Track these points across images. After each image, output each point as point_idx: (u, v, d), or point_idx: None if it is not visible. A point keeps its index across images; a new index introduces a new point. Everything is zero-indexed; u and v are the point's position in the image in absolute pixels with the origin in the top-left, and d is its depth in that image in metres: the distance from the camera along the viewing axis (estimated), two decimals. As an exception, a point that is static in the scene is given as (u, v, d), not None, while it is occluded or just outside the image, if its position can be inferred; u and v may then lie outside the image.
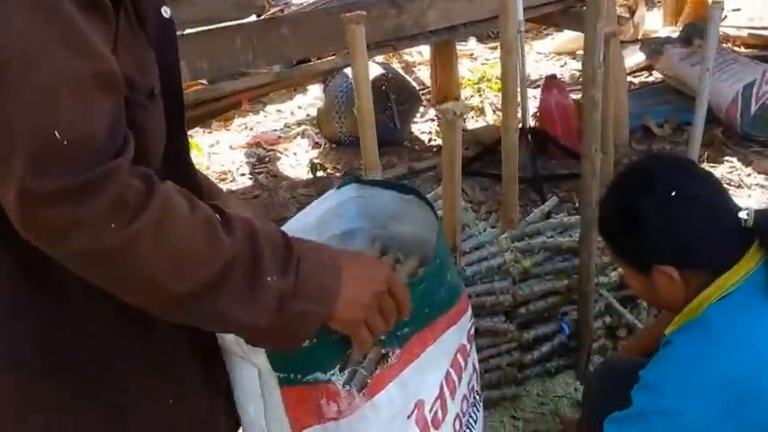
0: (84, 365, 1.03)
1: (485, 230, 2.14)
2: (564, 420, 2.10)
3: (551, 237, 2.34)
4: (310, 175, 4.29)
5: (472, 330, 1.39)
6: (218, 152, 4.94)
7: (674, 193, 1.41)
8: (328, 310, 1.01)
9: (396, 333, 1.13)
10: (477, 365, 1.43)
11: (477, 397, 1.42)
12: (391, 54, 5.44)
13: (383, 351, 1.15)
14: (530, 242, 2.25)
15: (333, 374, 1.14)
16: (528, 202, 3.68)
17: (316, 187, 4.18)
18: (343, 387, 1.14)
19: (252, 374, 1.17)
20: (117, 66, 0.87)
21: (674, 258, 1.41)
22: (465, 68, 5.38)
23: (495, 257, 2.10)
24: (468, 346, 1.37)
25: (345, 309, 1.02)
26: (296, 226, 1.37)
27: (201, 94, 3.50)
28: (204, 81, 3.50)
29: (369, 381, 1.13)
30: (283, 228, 1.37)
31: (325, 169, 4.35)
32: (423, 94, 5.22)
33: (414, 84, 5.08)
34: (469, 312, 1.38)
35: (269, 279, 0.95)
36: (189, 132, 4.66)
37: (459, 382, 1.30)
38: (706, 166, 3.87)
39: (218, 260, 0.91)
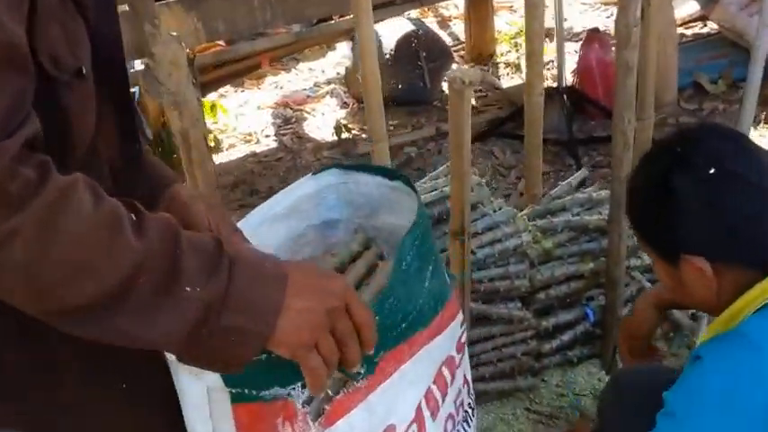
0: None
1: (500, 209, 1.94)
2: (577, 423, 1.91)
3: (577, 214, 2.13)
4: (335, 137, 4.12)
5: (464, 337, 1.22)
6: (246, 113, 4.80)
7: (713, 170, 1.20)
8: (268, 327, 0.84)
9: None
10: (468, 376, 1.25)
11: (469, 411, 1.26)
12: (426, 8, 5.16)
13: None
14: (552, 220, 2.04)
15: (293, 389, 0.98)
16: (562, 167, 3.44)
17: (340, 149, 4.02)
18: (302, 407, 0.99)
19: (199, 390, 1.03)
20: (20, 38, 0.74)
21: (706, 248, 1.19)
22: (502, 21, 5.07)
23: (511, 238, 1.91)
24: (458, 357, 1.20)
25: (290, 328, 0.84)
26: (263, 215, 1.21)
27: (219, 56, 3.34)
28: (221, 42, 3.34)
29: (326, 408, 0.97)
30: (249, 216, 1.21)
31: (350, 130, 4.16)
32: (456, 51, 4.95)
33: (447, 39, 4.81)
34: (460, 317, 1.20)
35: (188, 289, 0.79)
36: (217, 91, 4.51)
37: (444, 399, 1.13)
38: (762, 128, 3.55)
39: (122, 266, 0.76)
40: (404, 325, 1.01)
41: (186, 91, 2.93)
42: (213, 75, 3.44)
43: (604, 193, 2.17)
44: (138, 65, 3.17)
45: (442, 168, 2.10)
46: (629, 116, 1.79)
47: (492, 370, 1.99)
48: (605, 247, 2.04)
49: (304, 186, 1.24)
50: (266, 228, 1.20)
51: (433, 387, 1.11)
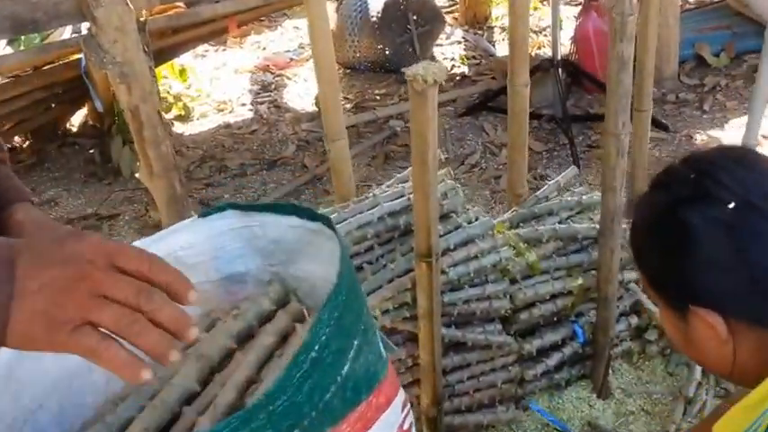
0: None
1: (476, 220, 1.68)
2: None
3: (567, 219, 1.87)
4: (316, 109, 3.82)
5: (407, 423, 0.97)
6: (222, 77, 4.49)
7: (734, 205, 0.95)
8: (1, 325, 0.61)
9: None
10: None
11: None
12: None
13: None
14: (536, 228, 1.79)
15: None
16: (555, 146, 3.16)
17: (321, 122, 3.72)
18: None
19: None
20: None
21: (721, 302, 0.95)
22: (500, -20, 4.72)
23: (489, 254, 1.65)
24: None
25: (28, 314, 0.61)
26: None
27: (177, 20, 3.02)
28: (180, 4, 3.01)
29: None
30: None
31: (332, 101, 3.87)
32: (449, 13, 4.62)
33: (438, 1, 4.48)
34: (400, 399, 0.95)
35: None
36: (194, 51, 4.14)
37: None
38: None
39: None
40: (313, 414, 0.75)
41: (135, 61, 2.63)
42: (170, 41, 3.12)
43: (596, 196, 1.91)
44: (84, 29, 2.87)
45: (410, 169, 1.83)
46: (624, 119, 1.51)
47: (469, 401, 1.76)
48: (595, 259, 1.79)
49: (189, 232, 0.96)
50: None
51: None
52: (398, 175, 1.82)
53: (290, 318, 0.93)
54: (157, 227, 2.95)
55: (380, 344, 0.90)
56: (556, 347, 1.85)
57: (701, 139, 3.12)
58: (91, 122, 3.79)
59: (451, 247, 1.62)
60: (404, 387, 1.70)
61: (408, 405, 0.97)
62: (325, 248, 0.91)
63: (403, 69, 1.29)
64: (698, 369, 1.87)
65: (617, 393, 1.93)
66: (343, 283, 0.77)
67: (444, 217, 1.65)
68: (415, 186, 1.40)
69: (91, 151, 3.57)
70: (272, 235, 0.96)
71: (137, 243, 0.95)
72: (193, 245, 0.95)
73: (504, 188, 2.94)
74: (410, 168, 1.86)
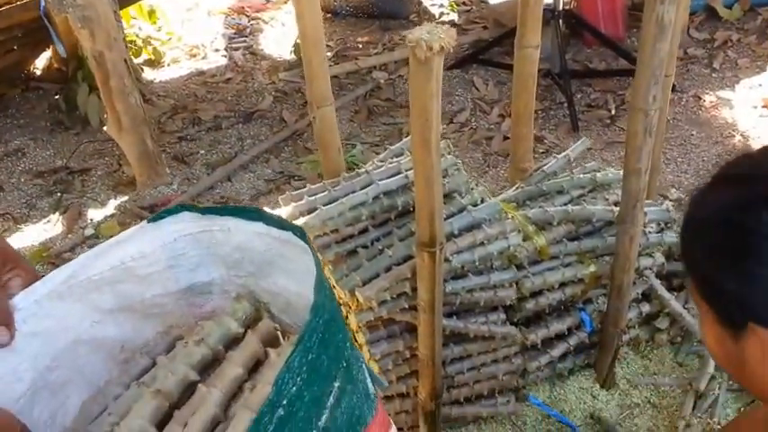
0: None
1: (481, 201, 1.50)
2: None
3: (578, 198, 1.70)
4: (295, 57, 3.56)
5: None
6: (194, 18, 4.19)
7: None
8: None
9: None
10: None
11: None
12: None
13: None
14: (546, 210, 1.61)
15: None
16: (552, 104, 2.97)
17: (299, 71, 3.47)
18: None
19: None
20: None
21: None
22: None
23: (496, 241, 1.48)
24: None
25: None
26: (63, 281, 0.77)
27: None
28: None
29: None
30: (53, 277, 0.77)
31: (313, 48, 3.60)
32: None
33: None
34: None
35: None
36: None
37: None
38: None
39: None
40: None
41: (98, 3, 2.36)
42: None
43: (612, 174, 1.74)
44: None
45: (406, 140, 1.63)
46: (656, 92, 1.32)
47: (468, 392, 1.62)
48: (610, 244, 1.63)
49: (140, 239, 0.79)
50: (74, 298, 0.77)
51: None
52: (392, 147, 1.62)
53: (260, 341, 0.78)
54: (132, 183, 2.74)
55: (368, 380, 0.75)
56: (561, 337, 1.70)
57: (709, 100, 2.95)
58: (55, 66, 3.51)
59: (455, 232, 1.44)
60: (401, 379, 1.57)
61: None
62: (299, 262, 0.75)
63: (405, 33, 1.08)
64: (711, 361, 1.74)
65: (622, 384, 1.80)
66: (318, 316, 0.62)
67: (446, 197, 1.47)
68: (416, 171, 1.21)
69: (56, 97, 3.32)
70: (237, 241, 0.79)
71: (87, 253, 0.77)
72: (146, 254, 0.79)
73: (496, 150, 2.76)
74: (405, 141, 1.67)
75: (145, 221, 0.78)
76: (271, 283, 0.83)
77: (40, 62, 3.57)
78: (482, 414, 1.66)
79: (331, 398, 0.65)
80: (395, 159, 1.52)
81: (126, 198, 2.71)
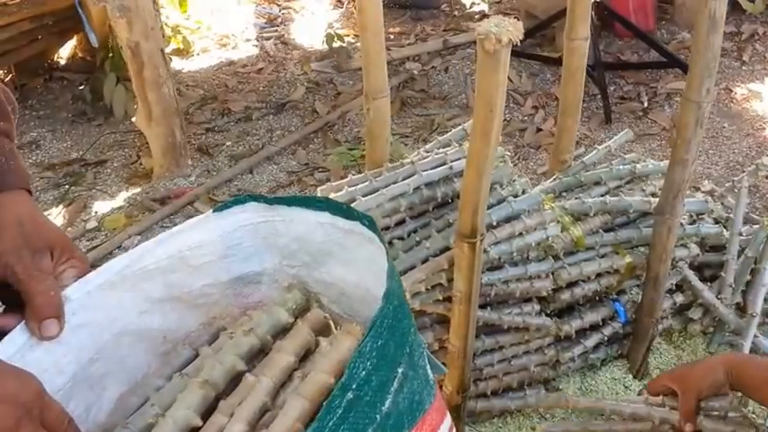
0: None
1: (522, 193, 1.51)
2: None
3: (615, 189, 1.71)
4: (327, 47, 3.58)
5: None
6: (224, 8, 4.21)
7: None
8: None
9: None
10: None
11: None
12: None
13: None
14: (583, 201, 1.62)
15: None
16: (585, 97, 2.94)
17: (331, 61, 3.49)
18: None
19: None
20: None
21: None
22: None
23: (534, 232, 1.49)
24: None
25: None
26: (117, 272, 0.78)
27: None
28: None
29: None
30: (109, 267, 0.79)
31: (343, 39, 3.62)
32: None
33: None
34: (446, 425, 0.81)
35: None
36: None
37: None
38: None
39: None
40: None
41: (137, -8, 2.39)
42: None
43: (651, 165, 1.74)
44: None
45: (456, 131, 1.64)
46: (710, 85, 1.32)
47: (496, 385, 1.63)
48: (646, 235, 1.63)
49: (202, 229, 0.81)
50: (125, 288, 0.79)
51: None
52: (440, 138, 1.63)
53: (310, 330, 0.79)
54: (148, 176, 2.75)
55: (428, 366, 0.77)
56: (595, 327, 1.71)
57: (740, 93, 2.92)
58: (80, 55, 3.53)
59: (494, 223, 1.46)
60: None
61: (454, 429, 0.84)
62: (362, 252, 0.77)
63: (473, 25, 1.09)
64: (745, 350, 1.74)
65: (655, 374, 1.80)
66: (389, 303, 0.64)
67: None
68: (469, 161, 1.22)
69: (80, 88, 3.33)
70: (297, 232, 0.81)
71: (148, 242, 0.79)
72: (204, 243, 0.81)
73: (529, 142, 2.76)
74: (453, 131, 1.68)
75: (210, 211, 0.80)
76: (324, 273, 0.84)
77: (64, 51, 3.55)
78: (510, 407, 1.66)
79: (395, 383, 0.67)
80: (441, 150, 1.53)
81: (138, 190, 2.67)
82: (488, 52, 1.02)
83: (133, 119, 2.71)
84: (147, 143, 2.74)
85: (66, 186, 2.73)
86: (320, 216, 0.78)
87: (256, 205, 0.80)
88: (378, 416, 0.64)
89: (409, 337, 0.69)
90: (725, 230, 1.82)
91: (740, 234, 1.85)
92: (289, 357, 0.75)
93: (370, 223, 0.74)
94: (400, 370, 0.68)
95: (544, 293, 1.57)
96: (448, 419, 0.83)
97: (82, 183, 2.76)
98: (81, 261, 0.80)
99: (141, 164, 2.83)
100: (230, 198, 0.75)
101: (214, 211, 0.80)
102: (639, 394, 1.47)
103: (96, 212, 2.60)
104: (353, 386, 0.59)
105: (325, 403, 0.57)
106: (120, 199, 2.65)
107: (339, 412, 0.58)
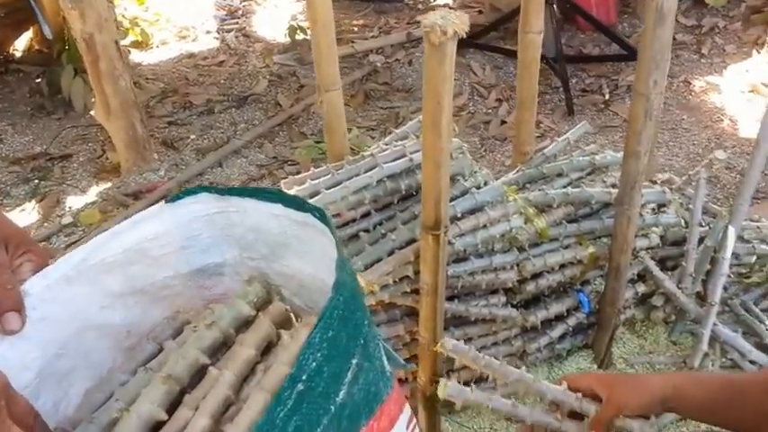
0: None
1: (484, 184, 1.51)
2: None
3: (577, 181, 1.72)
4: (289, 39, 3.54)
5: None
6: (183, 0, 4.14)
7: None
8: None
9: None
10: None
11: None
12: None
13: None
14: (547, 192, 1.63)
15: None
16: (547, 89, 2.98)
17: (294, 54, 3.46)
18: None
19: None
20: None
21: None
22: None
23: (498, 224, 1.49)
24: None
25: None
26: (74, 265, 0.76)
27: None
28: None
29: None
30: (66, 260, 0.77)
31: (305, 31, 3.59)
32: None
33: None
34: (405, 415, 0.81)
35: None
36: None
37: None
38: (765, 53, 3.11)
39: None
40: None
41: (90, -16, 2.33)
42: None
43: (610, 156, 1.76)
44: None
45: (412, 123, 1.64)
46: (657, 77, 1.34)
47: (468, 376, 1.63)
48: (608, 226, 1.65)
49: (157, 220, 0.80)
50: (84, 281, 0.76)
51: None
52: (397, 131, 1.62)
53: (272, 323, 0.78)
54: (116, 170, 2.70)
55: (384, 357, 0.76)
56: (560, 318, 1.72)
57: (699, 85, 2.97)
58: (37, 47, 3.44)
59: (458, 215, 1.46)
60: (400, 364, 1.58)
61: (414, 421, 0.84)
62: (316, 244, 0.75)
63: (420, 17, 1.09)
64: (704, 339, 1.77)
65: (619, 363, 1.83)
66: (339, 294, 0.63)
67: (450, 180, 1.47)
68: (425, 154, 1.22)
69: (38, 80, 3.24)
70: (252, 222, 0.79)
71: (102, 234, 0.77)
72: (160, 234, 0.79)
73: (494, 134, 2.77)
74: (409, 124, 1.68)
75: (163, 202, 0.78)
76: (283, 265, 0.83)
77: (20, 44, 3.47)
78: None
79: (349, 374, 0.66)
80: (400, 142, 1.52)
81: (109, 185, 2.64)
82: (434, 45, 1.02)
83: (92, 111, 2.65)
84: (110, 138, 2.69)
85: (36, 181, 2.70)
86: (273, 208, 0.76)
87: (209, 196, 0.78)
88: (332, 407, 0.63)
89: (363, 329, 0.68)
90: (683, 221, 1.85)
91: (700, 225, 1.88)
92: (250, 351, 0.75)
93: (321, 215, 0.73)
94: (354, 361, 0.67)
95: (510, 285, 1.58)
96: (407, 411, 0.82)
97: (50, 177, 2.72)
98: (38, 255, 0.78)
99: (107, 158, 2.79)
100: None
101: (167, 202, 0.78)
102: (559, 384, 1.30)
103: (70, 208, 2.56)
104: (303, 377, 0.58)
105: (273, 395, 0.56)
106: (92, 194, 2.62)
107: (290, 404, 0.57)
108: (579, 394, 1.21)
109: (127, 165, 2.66)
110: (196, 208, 0.79)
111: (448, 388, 1.28)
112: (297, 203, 0.76)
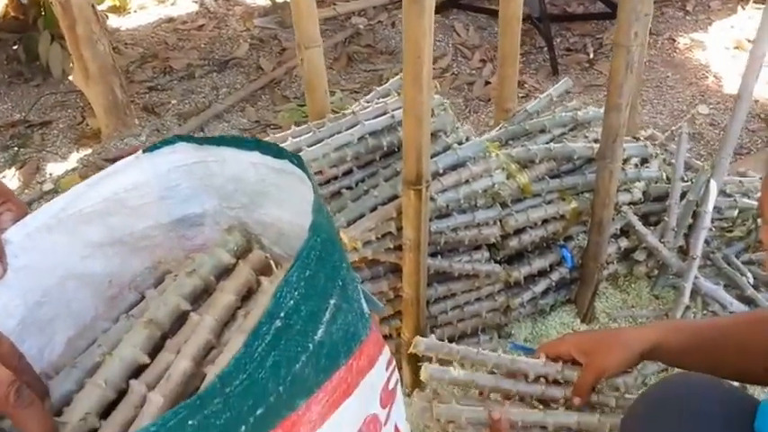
0: None
1: (466, 140, 1.51)
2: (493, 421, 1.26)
3: (560, 137, 1.72)
4: (269, 1, 3.49)
5: (393, 380, 0.85)
6: (161, -37, 4.06)
7: None
8: None
9: None
10: (402, 424, 0.91)
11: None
12: None
13: None
14: (529, 148, 1.63)
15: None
16: (531, 49, 2.96)
17: (275, 17, 3.41)
18: None
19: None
20: None
21: None
22: None
23: (480, 179, 1.49)
24: (385, 412, 0.83)
25: None
26: (53, 215, 0.76)
27: None
28: None
29: None
30: (45, 210, 0.77)
31: (286, -6, 3.53)
32: None
33: None
34: (385, 358, 0.82)
35: None
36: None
37: None
38: (750, 8, 3.09)
39: None
40: (259, 411, 0.60)
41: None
42: None
43: (592, 112, 1.75)
44: None
45: (394, 80, 1.62)
46: (638, 28, 1.33)
47: (452, 332, 1.65)
48: (590, 181, 1.65)
49: (135, 170, 0.79)
50: (64, 231, 0.77)
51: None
52: (378, 89, 1.61)
53: (252, 270, 0.79)
54: (96, 136, 2.67)
55: (362, 300, 0.77)
56: (543, 273, 1.73)
57: (683, 42, 2.96)
58: (12, 14, 3.37)
59: (440, 171, 1.45)
60: (385, 320, 1.59)
61: (394, 363, 0.86)
62: (295, 191, 0.75)
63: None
64: (686, 293, 1.79)
65: (602, 317, 1.85)
66: (316, 235, 0.64)
67: (432, 136, 1.46)
68: (405, 108, 1.21)
69: (14, 47, 3.19)
70: (231, 172, 0.79)
71: (79, 185, 0.77)
72: (139, 185, 0.79)
73: (478, 95, 2.76)
74: (392, 81, 1.66)
75: (140, 151, 0.77)
76: (263, 214, 0.83)
77: (-5, 10, 3.43)
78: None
79: (327, 314, 0.67)
80: (381, 100, 1.51)
81: (89, 151, 2.62)
82: (412, -1, 1.01)
83: (70, 77, 2.61)
84: (90, 104, 2.66)
85: (16, 148, 2.67)
86: (251, 156, 0.76)
87: (186, 145, 0.77)
88: (310, 345, 0.64)
89: (341, 271, 0.69)
90: (666, 176, 1.85)
91: (683, 180, 1.89)
92: (230, 296, 0.76)
93: (298, 162, 0.73)
94: (332, 302, 0.68)
95: (492, 240, 1.58)
96: (386, 352, 0.83)
97: (30, 144, 2.70)
98: (17, 205, 0.78)
99: (87, 124, 2.76)
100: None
101: (144, 152, 0.77)
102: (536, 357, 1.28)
103: (51, 174, 2.54)
104: (281, 314, 0.59)
105: (251, 330, 0.57)
106: (73, 160, 2.60)
107: (268, 339, 0.58)
108: (560, 365, 1.24)
109: (107, 131, 2.63)
110: (174, 158, 0.79)
111: (429, 370, 1.27)
112: (274, 151, 0.75)
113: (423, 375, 1.28)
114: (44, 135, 2.74)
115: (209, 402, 0.54)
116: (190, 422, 0.52)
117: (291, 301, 0.60)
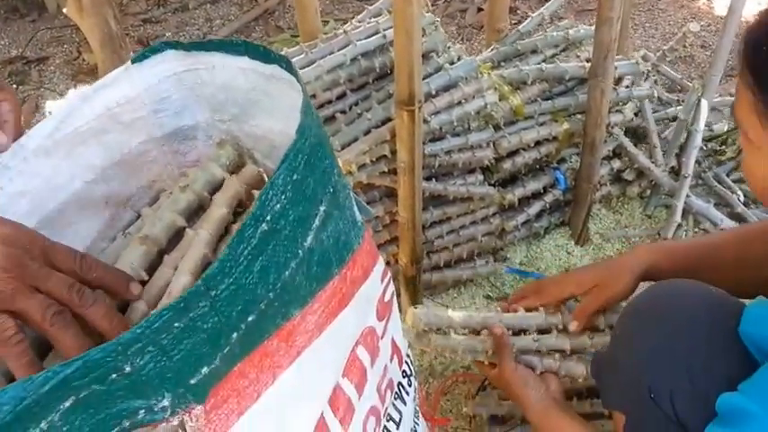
0: None
1: (458, 60, 1.51)
2: (487, 371, 1.29)
3: (552, 57, 1.72)
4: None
5: (388, 293, 0.87)
6: None
7: None
8: None
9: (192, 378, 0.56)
10: (399, 338, 0.94)
11: (405, 382, 0.96)
12: None
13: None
14: (521, 69, 1.63)
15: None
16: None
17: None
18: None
19: None
20: None
21: None
22: None
23: (473, 100, 1.50)
24: (381, 325, 0.86)
25: None
26: (48, 135, 0.76)
27: None
28: None
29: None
30: (39, 129, 0.76)
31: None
32: None
33: None
34: (379, 270, 0.84)
35: None
36: None
37: (361, 393, 0.80)
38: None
39: None
40: (251, 318, 0.60)
41: None
42: None
43: (583, 30, 1.75)
44: None
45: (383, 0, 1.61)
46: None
47: (448, 257, 1.68)
48: (582, 102, 1.66)
49: (124, 83, 0.78)
50: (62, 154, 0.77)
51: (343, 385, 0.77)
52: (369, 8, 1.60)
53: (245, 183, 0.79)
54: (93, 71, 2.66)
55: (355, 207, 0.77)
56: (537, 195, 1.76)
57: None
58: (6, -53, 3.32)
59: (433, 92, 1.46)
60: (381, 246, 1.62)
61: (389, 274, 0.87)
62: (285, 98, 0.74)
63: None
64: (678, 211, 1.83)
65: (595, 239, 1.89)
66: (304, 138, 0.62)
67: (424, 57, 1.47)
68: (396, 24, 1.21)
69: (9, -18, 3.16)
70: (221, 80, 0.78)
71: (72, 99, 0.78)
72: (130, 98, 0.78)
73: (471, 23, 2.73)
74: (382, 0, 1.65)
75: (129, 62, 0.78)
76: (254, 125, 0.83)
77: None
78: (462, 277, 1.72)
79: (317, 220, 0.66)
80: (373, 20, 1.50)
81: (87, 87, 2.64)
82: None
83: (65, 10, 2.58)
84: (86, 38, 2.64)
85: (14, 86, 2.66)
86: (240, 61, 0.75)
87: (175, 53, 0.77)
88: (300, 251, 0.64)
89: (332, 177, 0.68)
90: (657, 96, 1.86)
91: (678, 102, 1.90)
92: (222, 209, 0.76)
93: (287, 65, 0.71)
94: (322, 208, 0.67)
95: (486, 163, 1.60)
96: (381, 263, 0.85)
97: (28, 81, 2.69)
98: (10, 94, 0.77)
99: (84, 59, 2.75)
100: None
101: (133, 62, 0.78)
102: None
103: (50, 112, 2.52)
104: (267, 218, 0.58)
105: (236, 233, 0.55)
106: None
107: (254, 242, 0.57)
108: (559, 316, 1.26)
109: (104, 66, 2.61)
110: (164, 67, 0.78)
111: (418, 314, 1.24)
112: (263, 54, 0.74)
113: (409, 320, 1.24)
114: (41, 71, 2.73)
115: (193, 305, 0.53)
116: (176, 324, 0.52)
117: (278, 205, 0.59)
